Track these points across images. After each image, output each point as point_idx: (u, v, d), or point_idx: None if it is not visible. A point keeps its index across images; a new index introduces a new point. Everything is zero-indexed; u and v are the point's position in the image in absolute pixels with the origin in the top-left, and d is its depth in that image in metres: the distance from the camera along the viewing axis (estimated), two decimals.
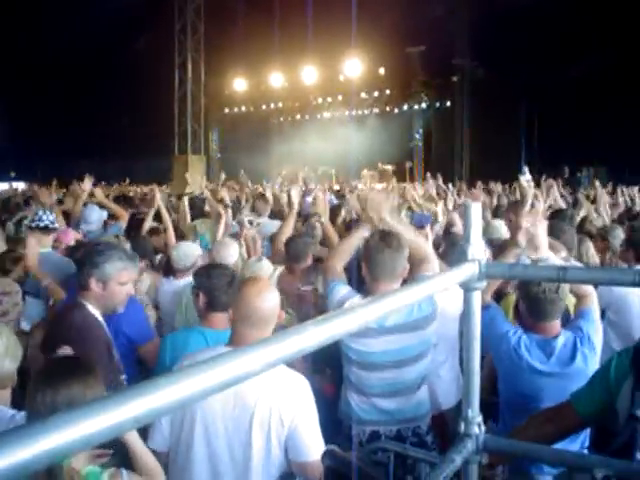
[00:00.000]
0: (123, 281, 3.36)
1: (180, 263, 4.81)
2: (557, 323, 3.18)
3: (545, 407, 2.84)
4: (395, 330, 3.41)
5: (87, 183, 7.35)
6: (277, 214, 8.27)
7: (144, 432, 2.63)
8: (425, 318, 3.46)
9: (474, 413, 1.82)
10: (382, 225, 3.62)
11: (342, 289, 3.60)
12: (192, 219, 7.64)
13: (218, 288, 3.53)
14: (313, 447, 2.65)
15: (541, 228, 3.04)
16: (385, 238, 3.51)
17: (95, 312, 3.33)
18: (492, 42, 24.33)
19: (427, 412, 3.62)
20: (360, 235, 3.89)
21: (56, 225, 5.92)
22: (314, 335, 1.05)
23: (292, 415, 2.62)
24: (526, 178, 4.88)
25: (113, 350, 3.28)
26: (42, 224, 5.66)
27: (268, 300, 2.69)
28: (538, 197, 5.90)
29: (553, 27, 23.00)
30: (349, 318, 1.14)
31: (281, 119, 37.47)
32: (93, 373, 2.38)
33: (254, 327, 2.64)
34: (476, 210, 1.77)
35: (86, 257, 3.43)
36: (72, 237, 5.85)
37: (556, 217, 5.95)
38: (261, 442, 2.62)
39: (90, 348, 3.09)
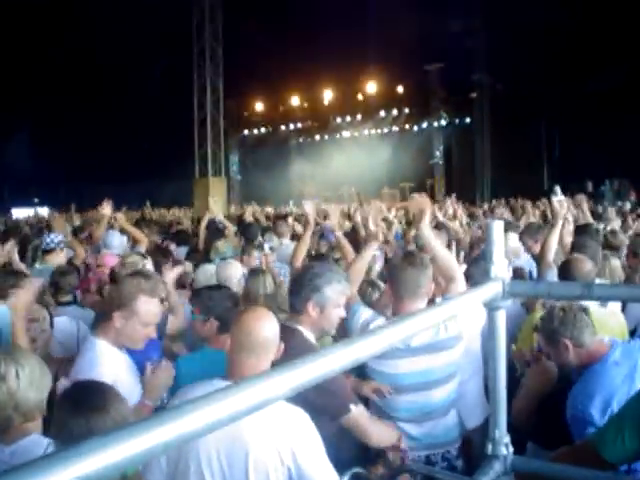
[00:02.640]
0: (340, 304, 3.19)
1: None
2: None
3: None
4: (422, 351, 3.33)
5: (107, 208, 7.39)
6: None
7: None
8: (452, 338, 3.38)
9: (501, 433, 1.79)
10: (419, 235, 3.60)
11: (365, 312, 3.53)
12: (210, 241, 7.68)
13: (228, 310, 3.50)
14: None
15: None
16: (408, 257, 3.49)
17: (310, 337, 3.16)
18: (511, 58, 24.34)
19: (457, 437, 3.51)
20: (369, 253, 3.88)
21: (62, 245, 6.09)
22: (339, 358, 1.04)
23: (292, 453, 2.42)
24: (558, 198, 4.83)
25: None
26: (49, 247, 5.80)
27: (266, 328, 2.55)
28: (569, 219, 5.84)
29: (571, 41, 23.00)
30: (374, 340, 1.14)
31: (300, 140, 37.71)
32: (120, 398, 2.38)
33: (251, 355, 2.52)
34: (498, 228, 1.76)
35: (303, 280, 3.22)
36: (115, 260, 5.88)
37: (583, 232, 5.89)
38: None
39: (335, 385, 2.94)
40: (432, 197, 25.58)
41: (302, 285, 3.17)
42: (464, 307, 1.58)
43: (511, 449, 1.80)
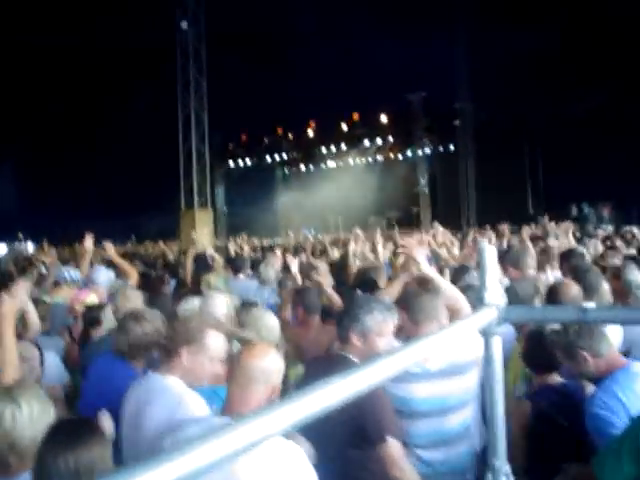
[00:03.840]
0: (383, 333, 3.24)
1: None
2: None
3: None
4: (439, 375, 3.33)
5: (88, 241, 7.27)
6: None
7: None
8: (469, 363, 3.38)
9: (501, 462, 1.76)
10: (419, 272, 3.67)
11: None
12: (198, 273, 7.64)
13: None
14: None
15: None
16: (422, 282, 3.60)
17: None
18: (493, 84, 24.68)
19: (473, 464, 3.46)
20: (402, 282, 3.99)
21: (78, 280, 6.15)
22: (354, 383, 1.03)
23: None
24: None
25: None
26: (65, 281, 5.83)
27: (267, 365, 2.54)
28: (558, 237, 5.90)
29: (551, 66, 23.35)
30: (387, 363, 1.13)
31: (286, 170, 37.87)
32: (103, 435, 2.35)
33: (244, 388, 2.51)
34: (491, 253, 1.74)
35: (345, 310, 3.35)
36: (87, 294, 5.82)
37: (569, 257, 5.90)
38: None
39: (380, 409, 3.01)
40: (417, 225, 25.72)
41: (344, 315, 3.30)
42: (460, 334, 1.56)
43: (512, 479, 1.76)
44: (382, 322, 3.21)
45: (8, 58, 22.59)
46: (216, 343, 3.09)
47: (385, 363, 1.23)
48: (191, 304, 4.74)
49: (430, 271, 3.76)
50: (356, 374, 1.12)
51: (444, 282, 3.70)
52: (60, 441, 2.20)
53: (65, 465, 2.13)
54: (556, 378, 3.43)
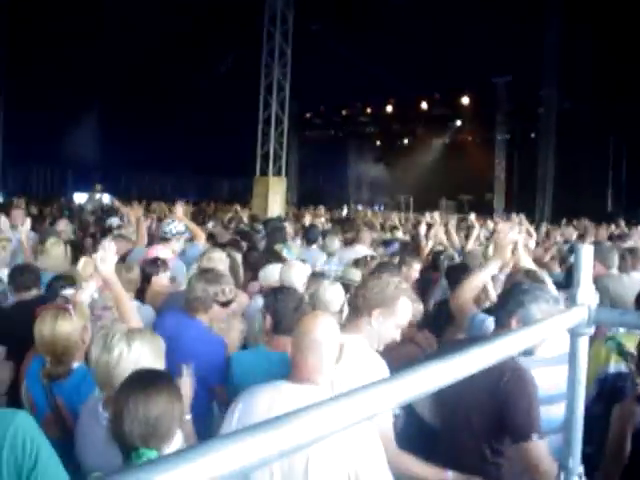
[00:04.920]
0: None
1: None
2: None
3: None
4: (555, 362, 3.29)
5: (179, 209, 7.41)
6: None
7: None
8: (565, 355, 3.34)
9: (575, 463, 1.76)
10: (515, 260, 3.63)
11: (489, 319, 3.57)
12: (270, 241, 7.71)
13: (284, 311, 3.53)
14: None
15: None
16: (529, 273, 3.57)
17: None
18: (581, 75, 23.83)
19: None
20: (491, 271, 3.92)
21: (186, 233, 6.41)
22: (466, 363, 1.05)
23: (354, 462, 2.42)
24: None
25: None
26: (168, 236, 6.11)
27: (324, 329, 2.61)
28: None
29: None
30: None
31: (360, 145, 37.65)
32: (174, 389, 2.43)
33: (310, 356, 2.58)
34: (587, 253, 1.72)
35: (510, 294, 3.28)
36: (162, 249, 5.96)
37: None
38: None
39: (530, 403, 2.95)
40: (490, 213, 25.25)
41: (508, 299, 3.23)
42: (549, 332, 1.55)
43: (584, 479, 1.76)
44: (546, 312, 3.11)
45: (92, 11, 22.96)
46: (406, 311, 3.18)
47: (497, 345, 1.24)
48: (270, 271, 4.85)
49: (528, 261, 3.69)
50: (466, 353, 1.14)
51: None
52: (134, 389, 2.30)
53: (135, 412, 2.21)
54: None
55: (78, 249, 7.19)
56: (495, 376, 2.87)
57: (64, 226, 8.97)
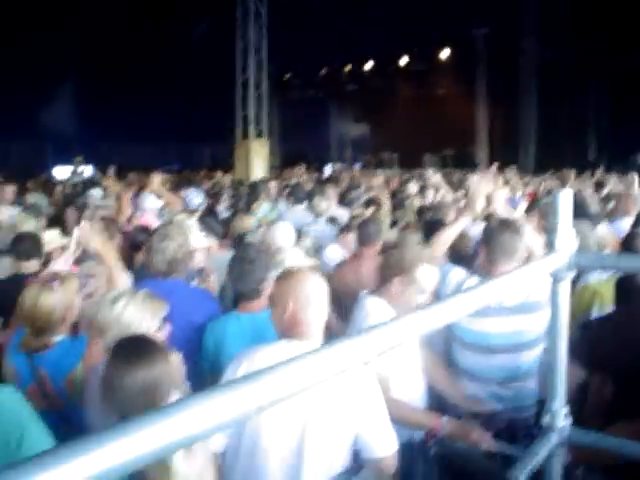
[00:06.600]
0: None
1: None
2: None
3: None
4: (513, 311, 3.38)
5: (155, 180, 7.35)
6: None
7: None
8: (540, 303, 3.38)
9: (559, 405, 1.78)
10: (493, 211, 3.65)
11: (458, 272, 3.59)
12: (251, 202, 7.69)
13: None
14: (384, 442, 2.51)
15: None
16: (505, 221, 3.55)
17: None
18: (561, 24, 23.63)
19: (535, 403, 3.52)
20: (460, 225, 3.93)
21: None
22: (433, 317, 1.05)
23: (355, 410, 2.47)
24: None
25: None
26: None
27: (309, 286, 2.63)
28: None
29: (623, 5, 22.13)
30: (465, 299, 1.15)
31: (341, 103, 37.25)
32: (166, 352, 2.43)
33: (304, 312, 2.59)
34: (565, 197, 1.72)
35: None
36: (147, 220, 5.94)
37: None
38: (320, 437, 2.44)
39: None
40: (473, 166, 25.23)
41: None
42: (530, 276, 1.57)
43: (569, 420, 1.79)
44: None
45: None
46: (427, 277, 3.17)
47: (461, 300, 1.25)
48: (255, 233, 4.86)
49: (508, 212, 3.70)
50: (432, 309, 1.14)
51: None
52: (124, 357, 2.29)
53: (128, 381, 2.20)
54: None
55: (59, 223, 7.10)
56: None
57: (34, 199, 8.71)
